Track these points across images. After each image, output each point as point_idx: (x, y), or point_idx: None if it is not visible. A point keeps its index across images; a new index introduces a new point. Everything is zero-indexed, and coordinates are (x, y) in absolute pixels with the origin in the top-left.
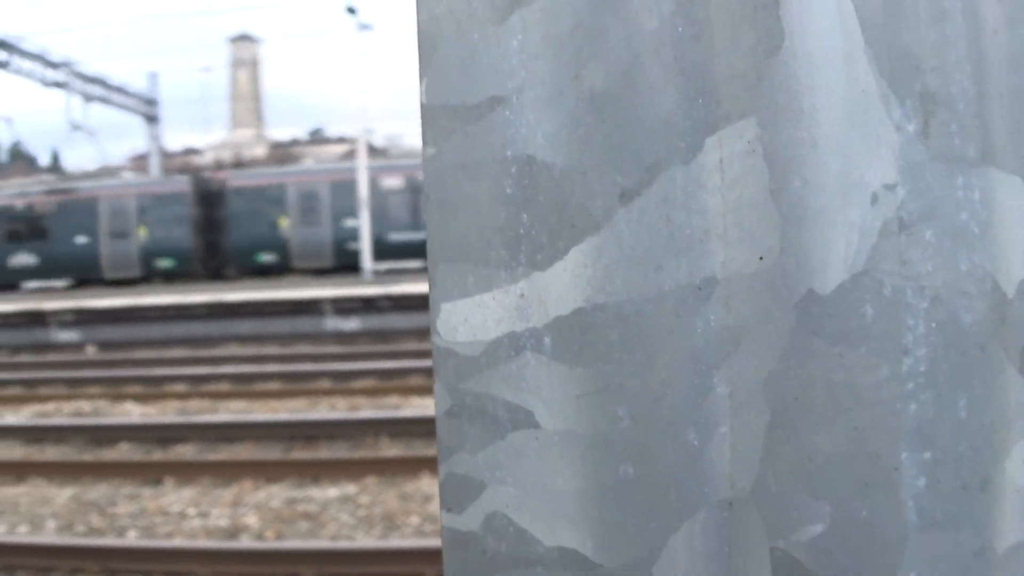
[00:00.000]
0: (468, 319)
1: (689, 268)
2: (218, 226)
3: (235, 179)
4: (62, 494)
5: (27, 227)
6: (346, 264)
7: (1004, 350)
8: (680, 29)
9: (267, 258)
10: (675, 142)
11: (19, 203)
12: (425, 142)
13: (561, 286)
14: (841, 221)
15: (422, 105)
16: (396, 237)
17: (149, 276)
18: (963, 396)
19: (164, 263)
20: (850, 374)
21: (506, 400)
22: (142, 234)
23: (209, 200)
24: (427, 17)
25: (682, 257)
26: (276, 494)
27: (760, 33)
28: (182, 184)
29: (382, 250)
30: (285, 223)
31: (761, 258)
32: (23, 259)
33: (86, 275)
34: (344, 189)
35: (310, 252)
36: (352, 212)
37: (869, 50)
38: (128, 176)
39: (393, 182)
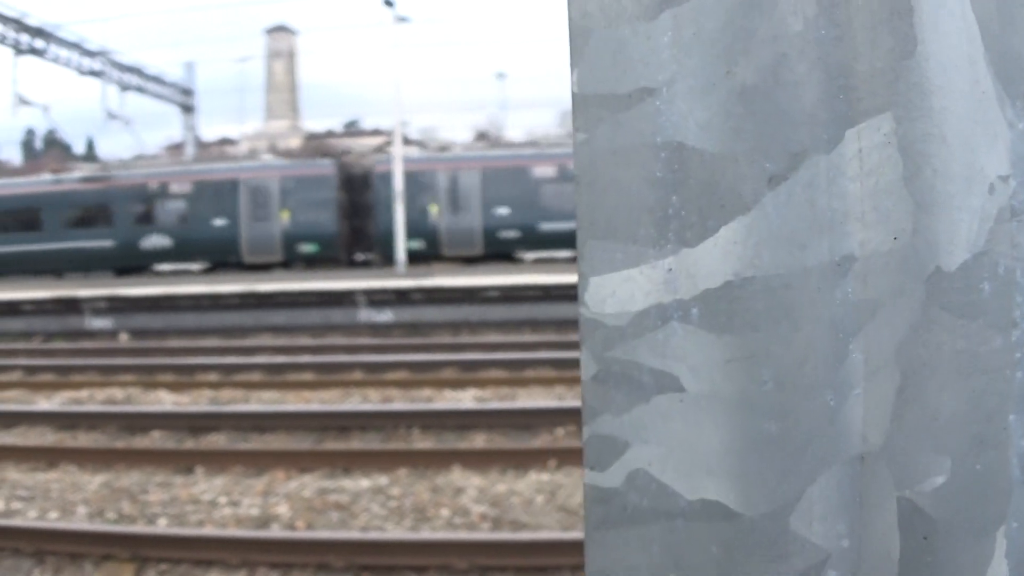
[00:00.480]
0: (616, 292)
1: (830, 247)
2: (364, 211)
3: (382, 164)
4: (94, 481)
5: (161, 208)
6: (496, 253)
7: None
8: (823, 31)
9: (416, 245)
10: (818, 133)
11: (152, 183)
12: (576, 128)
13: (711, 261)
14: (965, 207)
15: (573, 94)
16: (547, 227)
17: (291, 261)
18: None
19: (307, 248)
20: (970, 343)
21: (651, 366)
22: (284, 218)
23: (354, 184)
24: (578, 13)
25: (824, 236)
26: (307, 484)
27: (897, 37)
28: (326, 167)
29: (533, 240)
30: (435, 210)
31: (895, 238)
32: (156, 241)
33: (224, 258)
34: (496, 176)
35: (460, 240)
36: (503, 201)
37: (987, 55)
38: (268, 158)
39: (545, 171)
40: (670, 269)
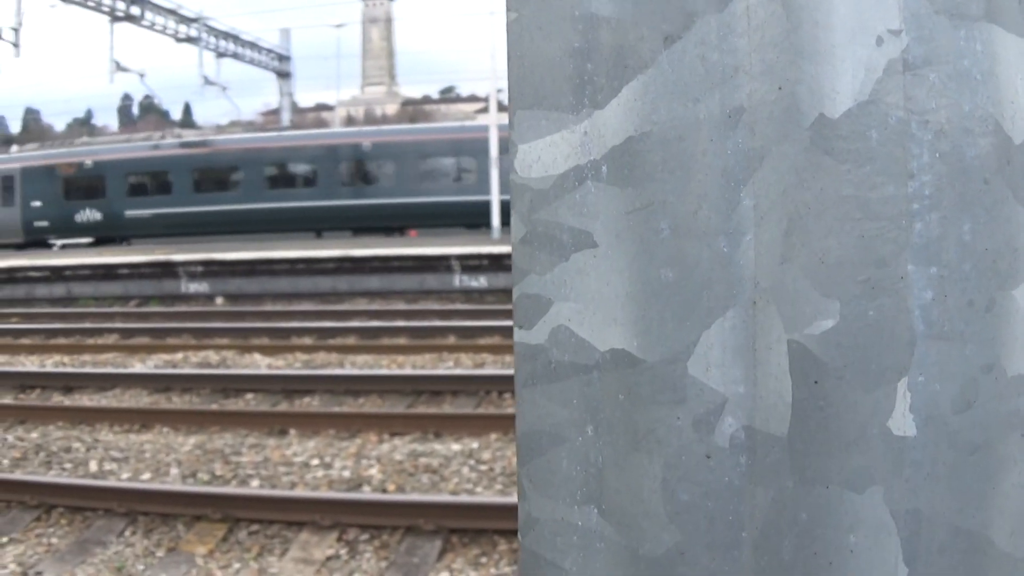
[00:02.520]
0: (541, 157)
1: (721, 99)
2: None
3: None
4: (187, 442)
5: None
6: None
7: (1010, 189)
8: None
9: None
10: None
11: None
12: (508, 8)
13: (616, 120)
14: (849, 58)
15: None
16: None
17: None
18: (967, 221)
19: None
20: (858, 189)
21: (571, 225)
22: None
23: None
24: None
25: (715, 90)
26: (399, 447)
27: None
28: None
29: None
30: None
31: (780, 88)
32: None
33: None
34: None
35: None
36: None
37: None
38: None
39: None
40: (585, 132)
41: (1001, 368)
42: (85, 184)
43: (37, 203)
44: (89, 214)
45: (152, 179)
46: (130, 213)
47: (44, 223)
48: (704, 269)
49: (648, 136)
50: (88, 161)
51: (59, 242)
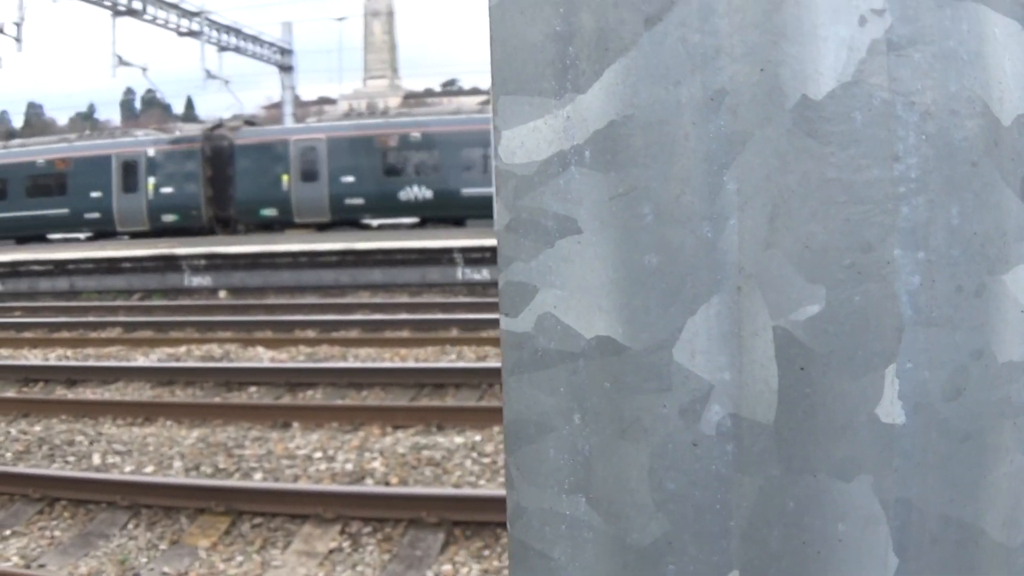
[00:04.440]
0: (524, 143)
1: (703, 82)
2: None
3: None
4: (190, 435)
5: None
6: None
7: (999, 171)
8: None
9: None
10: None
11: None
12: None
13: (598, 104)
14: (831, 37)
15: None
16: None
17: None
18: (955, 205)
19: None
20: (842, 172)
21: (555, 211)
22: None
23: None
24: None
25: (697, 73)
26: (402, 440)
27: None
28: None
29: None
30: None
31: (762, 70)
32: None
33: None
34: None
35: None
36: None
37: None
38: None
39: None
40: (568, 117)
41: (991, 354)
42: (408, 157)
43: (349, 178)
44: (416, 192)
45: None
46: (466, 192)
47: (358, 201)
48: (688, 255)
49: (630, 120)
50: (415, 133)
51: (375, 222)
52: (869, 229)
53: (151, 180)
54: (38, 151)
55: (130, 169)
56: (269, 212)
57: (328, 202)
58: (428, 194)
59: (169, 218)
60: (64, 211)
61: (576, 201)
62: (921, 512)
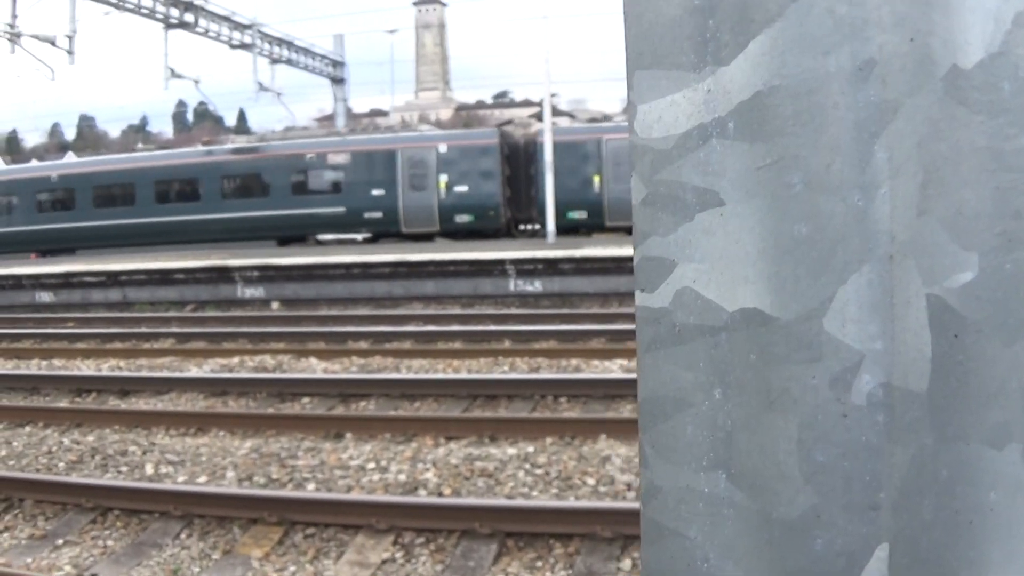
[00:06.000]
0: (662, 117)
1: (851, 52)
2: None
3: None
4: (243, 446)
5: None
6: None
7: None
8: None
9: (577, 216)
10: None
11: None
12: None
13: (743, 76)
14: (979, 9)
15: None
16: None
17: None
18: None
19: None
20: (992, 140)
21: (695, 184)
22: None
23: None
24: None
25: (845, 43)
26: (455, 451)
27: None
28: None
29: None
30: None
31: (912, 40)
32: None
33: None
34: None
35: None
36: None
37: None
38: None
39: None
40: (709, 90)
41: None
42: None
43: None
44: None
45: None
46: None
47: None
48: (838, 223)
49: (777, 90)
50: None
51: None
52: (1018, 197)
53: (443, 178)
54: (307, 144)
55: (418, 166)
56: (577, 215)
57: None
58: None
59: (463, 219)
60: (339, 210)
61: (718, 173)
62: None
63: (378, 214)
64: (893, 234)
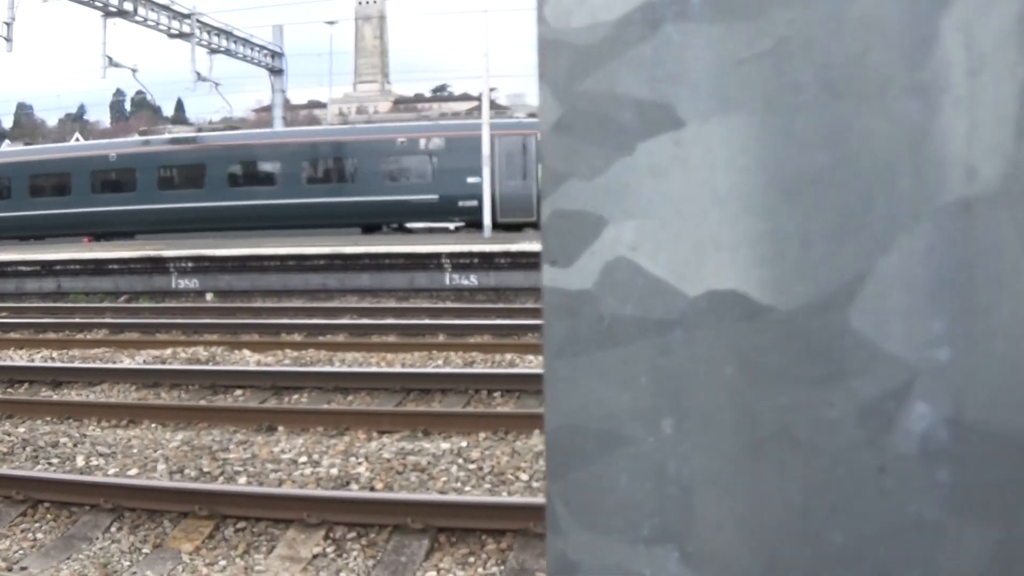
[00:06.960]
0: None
1: None
2: None
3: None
4: (175, 438)
5: None
6: None
7: None
8: None
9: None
10: None
11: None
12: None
13: None
14: None
15: None
16: None
17: None
18: None
19: None
20: None
21: (636, 97)
22: None
23: None
24: None
25: None
26: (388, 445)
27: None
28: None
29: None
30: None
31: None
32: None
33: None
34: None
35: None
36: None
37: None
38: None
39: None
40: None
41: None
42: None
43: None
44: None
45: None
46: None
47: None
48: (879, 152)
49: None
50: None
51: None
52: None
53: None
54: (399, 128)
55: (515, 153)
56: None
57: None
58: None
59: None
60: (431, 197)
61: (674, 78)
62: None
63: (473, 203)
64: (973, 168)
